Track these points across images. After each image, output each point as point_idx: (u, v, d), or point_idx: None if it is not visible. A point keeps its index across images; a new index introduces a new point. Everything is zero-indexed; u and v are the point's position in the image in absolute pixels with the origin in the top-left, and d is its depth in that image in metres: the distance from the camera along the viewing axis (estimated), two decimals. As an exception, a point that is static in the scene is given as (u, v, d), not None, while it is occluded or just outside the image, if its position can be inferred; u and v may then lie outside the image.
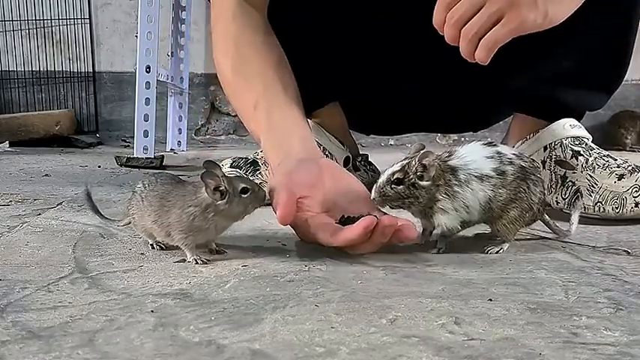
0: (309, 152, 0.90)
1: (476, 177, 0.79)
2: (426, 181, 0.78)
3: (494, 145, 0.83)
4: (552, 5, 0.82)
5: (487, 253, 0.82)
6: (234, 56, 1.00)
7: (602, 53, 1.11)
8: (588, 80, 1.14)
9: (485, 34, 0.81)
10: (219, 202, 0.74)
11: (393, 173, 0.79)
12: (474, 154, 0.81)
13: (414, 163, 0.79)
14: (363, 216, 0.76)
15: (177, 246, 0.82)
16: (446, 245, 0.82)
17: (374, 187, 0.81)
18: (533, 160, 0.85)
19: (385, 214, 0.80)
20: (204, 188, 0.74)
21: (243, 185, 0.75)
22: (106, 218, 0.90)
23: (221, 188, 0.74)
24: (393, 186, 0.79)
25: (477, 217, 0.81)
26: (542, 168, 1.14)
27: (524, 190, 0.81)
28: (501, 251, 0.82)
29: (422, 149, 0.81)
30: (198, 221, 0.74)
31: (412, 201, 0.79)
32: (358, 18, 1.20)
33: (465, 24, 0.81)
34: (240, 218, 0.77)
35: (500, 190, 0.80)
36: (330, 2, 1.16)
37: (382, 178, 0.80)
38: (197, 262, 0.74)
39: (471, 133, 1.71)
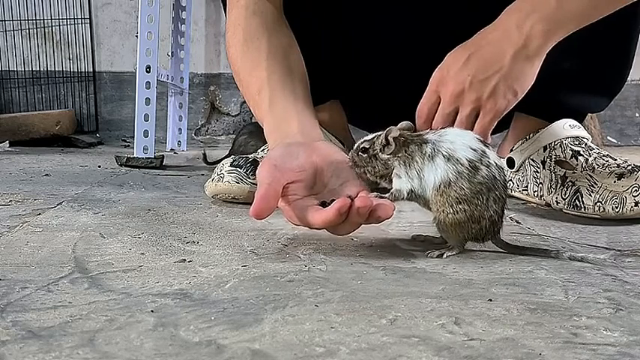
0: (307, 134, 0.91)
1: (444, 156, 0.77)
2: (387, 154, 0.80)
3: (487, 145, 0.79)
4: (517, 81, 0.90)
5: (427, 256, 0.79)
6: (242, 44, 1.01)
7: (604, 56, 1.11)
8: (590, 83, 1.14)
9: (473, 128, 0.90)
10: None
11: (362, 142, 0.83)
12: (459, 137, 0.78)
13: (382, 136, 0.81)
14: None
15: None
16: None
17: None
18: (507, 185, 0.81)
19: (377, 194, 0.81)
20: None
21: None
22: None
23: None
24: (359, 153, 0.82)
25: (428, 194, 0.78)
26: (542, 168, 1.14)
27: (482, 198, 0.76)
28: (444, 256, 0.78)
29: (408, 128, 0.82)
30: None
31: (370, 170, 0.82)
32: (360, 13, 1.20)
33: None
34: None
35: (462, 182, 0.76)
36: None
37: (355, 145, 0.84)
38: None
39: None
